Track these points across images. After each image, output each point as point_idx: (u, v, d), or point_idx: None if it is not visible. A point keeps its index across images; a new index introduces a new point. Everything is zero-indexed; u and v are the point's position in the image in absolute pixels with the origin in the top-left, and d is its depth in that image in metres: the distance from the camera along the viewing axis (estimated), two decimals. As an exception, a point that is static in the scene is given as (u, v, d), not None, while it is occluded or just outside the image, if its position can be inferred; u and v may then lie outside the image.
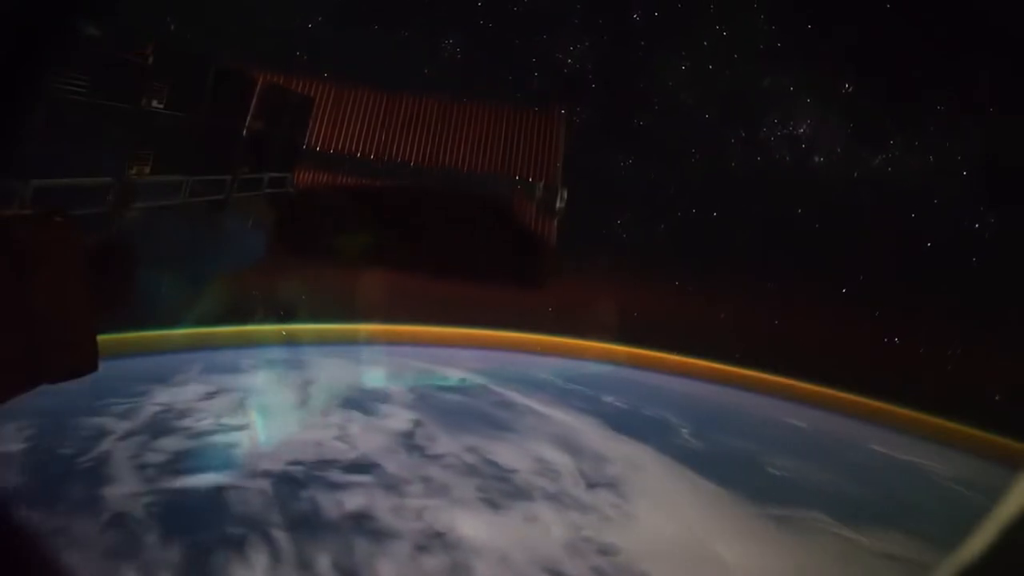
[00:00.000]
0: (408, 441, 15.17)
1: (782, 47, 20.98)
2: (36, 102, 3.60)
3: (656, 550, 11.72)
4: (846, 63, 20.30)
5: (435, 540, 11.11)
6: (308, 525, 11.04)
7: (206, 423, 14.67)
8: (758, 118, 22.19)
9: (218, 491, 11.79)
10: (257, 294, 18.92)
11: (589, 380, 21.73)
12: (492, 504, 12.69)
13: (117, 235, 4.74)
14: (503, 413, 18.05)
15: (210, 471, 12.44)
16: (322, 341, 20.51)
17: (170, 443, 13.46)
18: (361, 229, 9.53)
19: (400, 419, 16.44)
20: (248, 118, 6.97)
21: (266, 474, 12.58)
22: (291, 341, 20.42)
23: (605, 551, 11.50)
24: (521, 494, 13.27)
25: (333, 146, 9.78)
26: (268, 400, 16.55)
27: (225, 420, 14.93)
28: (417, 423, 16.26)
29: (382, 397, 17.80)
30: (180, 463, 12.67)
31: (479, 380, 20.49)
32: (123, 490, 11.38)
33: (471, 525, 11.72)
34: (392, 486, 12.82)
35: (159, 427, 14.15)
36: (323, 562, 10.09)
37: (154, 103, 4.80)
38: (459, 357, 22.18)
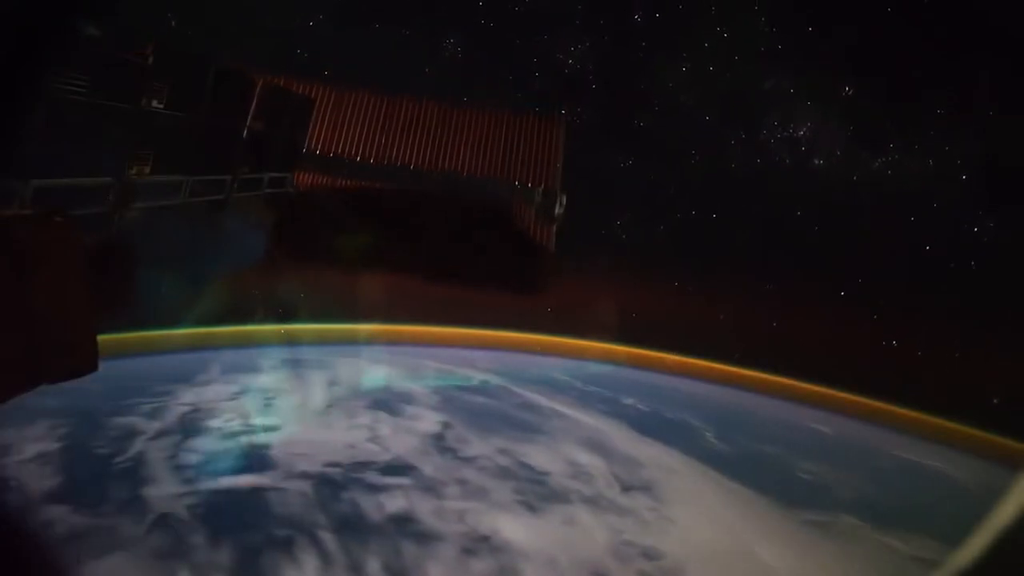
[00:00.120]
0: (440, 443, 15.27)
1: (782, 48, 21.00)
2: (36, 102, 3.60)
3: (698, 554, 11.70)
4: (846, 64, 20.32)
5: (481, 543, 11.15)
6: (352, 527, 11.07)
7: (236, 423, 14.75)
8: (758, 119, 22.22)
9: (259, 492, 11.84)
10: (257, 294, 18.93)
11: (606, 381, 21.73)
12: (530, 507, 12.72)
13: (117, 235, 4.73)
14: (528, 415, 18.10)
15: (248, 472, 12.50)
16: (323, 341, 20.52)
17: (203, 443, 13.55)
18: (360, 230, 9.52)
19: (428, 421, 16.55)
20: (248, 118, 6.96)
21: (304, 475, 12.63)
22: (291, 341, 20.41)
23: (649, 555, 11.51)
24: (557, 497, 13.30)
25: (333, 149, 9.77)
26: (294, 400, 16.60)
27: (254, 420, 15.02)
28: (446, 425, 16.35)
29: (407, 398, 17.89)
30: (217, 463, 12.72)
31: (498, 381, 20.53)
32: (164, 491, 11.44)
33: (512, 528, 11.75)
34: (430, 488, 12.88)
35: (189, 427, 14.23)
36: (373, 565, 10.11)
37: (154, 103, 4.80)
38: (466, 357, 22.21)
